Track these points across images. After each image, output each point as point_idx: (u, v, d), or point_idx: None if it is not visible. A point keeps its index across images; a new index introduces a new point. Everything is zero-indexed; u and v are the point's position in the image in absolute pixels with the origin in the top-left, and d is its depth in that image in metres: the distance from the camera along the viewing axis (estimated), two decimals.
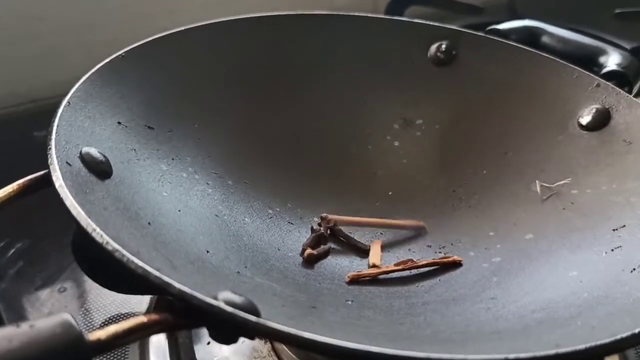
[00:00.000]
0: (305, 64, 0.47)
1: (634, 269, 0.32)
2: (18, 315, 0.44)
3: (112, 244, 0.25)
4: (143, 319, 0.23)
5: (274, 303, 0.31)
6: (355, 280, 0.37)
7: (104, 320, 0.43)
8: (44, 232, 0.50)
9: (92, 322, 0.43)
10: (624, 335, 0.24)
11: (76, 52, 0.64)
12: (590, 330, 0.27)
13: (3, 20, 0.60)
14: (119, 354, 0.41)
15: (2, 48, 0.60)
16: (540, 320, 0.30)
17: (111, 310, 0.45)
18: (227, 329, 0.24)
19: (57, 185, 0.28)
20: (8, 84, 0.62)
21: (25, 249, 0.49)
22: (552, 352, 0.23)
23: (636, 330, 0.25)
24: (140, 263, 0.24)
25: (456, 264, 0.38)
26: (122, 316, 0.44)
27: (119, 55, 0.40)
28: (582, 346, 0.23)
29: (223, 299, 0.24)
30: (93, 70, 0.38)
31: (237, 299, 0.25)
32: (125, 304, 0.45)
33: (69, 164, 0.31)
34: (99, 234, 0.26)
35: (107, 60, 0.39)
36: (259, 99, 0.45)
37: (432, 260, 0.38)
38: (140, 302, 0.45)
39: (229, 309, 0.23)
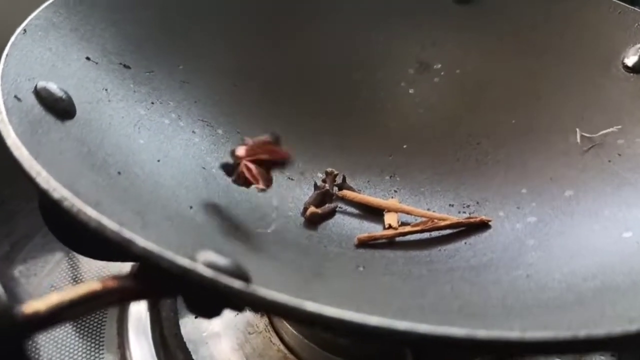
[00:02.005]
0: None
1: None
2: None
3: (59, 191, 0.20)
4: (96, 285, 0.18)
5: (269, 268, 0.25)
6: (366, 243, 0.31)
7: None
8: (11, 193, 0.44)
9: None
10: None
11: None
12: None
13: None
14: (93, 328, 0.36)
15: None
16: (597, 289, 0.24)
17: (87, 278, 0.40)
18: (207, 298, 0.19)
19: None
20: None
21: None
22: (633, 328, 0.17)
23: None
24: (94, 214, 0.19)
25: (484, 225, 0.32)
26: None
27: None
28: None
29: (203, 260, 0.19)
30: None
31: (220, 260, 0.19)
32: (103, 273, 0.40)
33: (18, 99, 0.25)
34: (45, 179, 0.20)
35: None
36: (256, 36, 0.39)
37: (457, 220, 0.32)
38: (121, 270, 0.40)
39: (209, 271, 0.17)
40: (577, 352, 0.31)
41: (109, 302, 0.18)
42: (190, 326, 0.35)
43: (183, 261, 0.18)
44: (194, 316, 0.36)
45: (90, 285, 0.18)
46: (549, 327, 0.19)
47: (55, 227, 0.32)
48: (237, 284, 0.17)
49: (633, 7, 0.39)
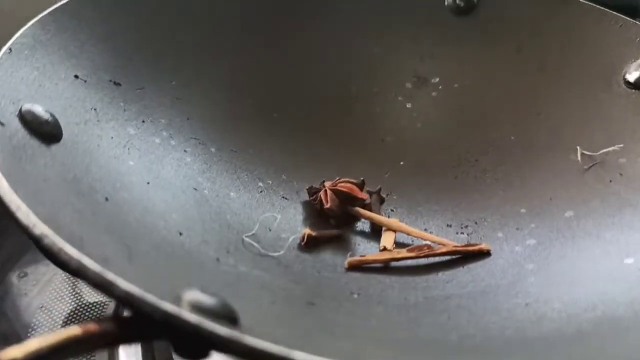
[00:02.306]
0: (305, 9, 0.40)
1: None
2: None
3: (39, 227, 0.19)
4: (76, 331, 0.17)
5: (261, 300, 0.24)
6: (356, 267, 0.31)
7: (68, 312, 0.37)
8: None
9: (55, 313, 0.37)
10: None
11: None
12: None
13: None
14: None
15: None
16: (598, 322, 0.24)
17: (76, 299, 0.39)
18: (194, 341, 0.18)
19: None
20: None
21: None
22: None
23: None
24: (74, 253, 0.18)
25: (483, 254, 0.31)
26: (87, 306, 0.38)
27: None
28: None
29: (188, 301, 0.18)
30: (45, 12, 0.31)
31: (206, 300, 0.18)
32: (92, 292, 0.39)
33: (1, 124, 0.24)
34: (25, 213, 0.19)
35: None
36: (250, 49, 0.39)
37: (454, 248, 0.31)
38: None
39: (193, 317, 0.17)
40: None
41: (90, 347, 0.17)
42: None
43: (167, 306, 0.17)
44: None
45: (70, 330, 0.17)
46: None
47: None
48: (222, 330, 0.16)
49: (634, 21, 0.38)
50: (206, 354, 0.18)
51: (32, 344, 0.17)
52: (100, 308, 0.38)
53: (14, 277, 0.40)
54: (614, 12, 0.39)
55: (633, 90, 0.36)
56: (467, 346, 0.23)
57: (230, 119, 0.37)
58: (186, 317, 0.17)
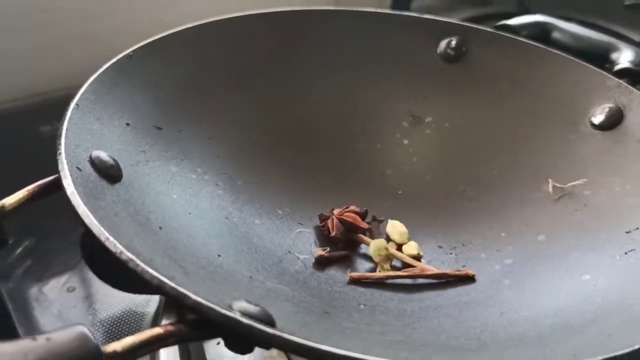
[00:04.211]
0: (313, 61, 0.47)
1: None
2: (27, 316, 0.44)
3: (125, 254, 0.25)
4: (159, 330, 0.23)
5: (287, 309, 0.30)
6: (357, 281, 0.37)
7: (112, 320, 0.43)
8: (50, 230, 0.50)
9: (101, 322, 0.43)
10: None
11: (78, 43, 0.63)
12: (606, 339, 0.27)
13: (5, 11, 0.59)
14: None
15: (4, 40, 0.60)
16: (555, 327, 0.30)
17: (120, 308, 0.45)
18: (243, 339, 0.24)
19: (68, 192, 0.28)
20: (10, 76, 0.61)
21: (32, 247, 0.49)
22: None
23: None
24: (155, 273, 0.24)
25: (468, 278, 0.37)
26: (130, 314, 0.44)
27: (127, 54, 0.40)
28: (599, 357, 0.23)
29: (238, 309, 0.24)
30: (100, 70, 0.38)
31: (252, 308, 0.25)
32: (134, 302, 0.45)
33: (79, 169, 0.31)
34: (113, 243, 0.25)
35: (115, 59, 0.39)
36: (266, 97, 0.45)
37: (443, 272, 0.37)
38: (149, 300, 0.45)
39: (246, 320, 0.23)
40: None
41: (168, 343, 0.23)
42: (213, 352, 0.40)
43: (226, 312, 0.23)
44: (216, 343, 0.41)
45: (155, 330, 0.23)
46: None
47: (93, 263, 0.38)
48: (267, 330, 0.23)
49: (600, 70, 0.45)
50: (252, 349, 0.25)
51: (128, 340, 0.23)
52: (140, 317, 0.44)
53: (63, 292, 0.46)
54: (583, 62, 0.45)
55: (597, 131, 0.42)
56: (452, 345, 0.29)
57: (252, 156, 0.43)
58: (241, 320, 0.23)
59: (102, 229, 0.26)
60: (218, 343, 0.40)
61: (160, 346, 0.23)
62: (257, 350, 0.40)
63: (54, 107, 0.60)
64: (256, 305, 0.25)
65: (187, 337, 0.24)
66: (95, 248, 0.35)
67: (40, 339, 0.21)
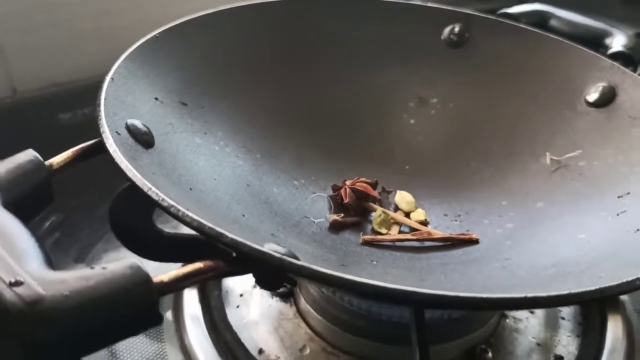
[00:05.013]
0: (325, 47, 0.50)
1: (638, 230, 0.34)
2: None
3: (167, 201, 0.28)
4: (199, 265, 0.26)
5: (308, 260, 0.33)
6: (369, 243, 0.39)
7: None
8: (76, 205, 0.52)
9: None
10: (629, 279, 0.27)
11: (93, 38, 0.66)
12: (598, 280, 0.29)
13: (24, 7, 0.62)
14: None
15: (25, 34, 0.63)
16: (553, 275, 0.32)
17: None
18: (272, 275, 0.27)
19: (111, 150, 0.31)
20: (31, 68, 0.64)
21: (60, 222, 0.52)
22: (565, 292, 0.26)
23: None
24: (194, 216, 0.27)
25: (472, 242, 0.40)
26: None
27: (154, 35, 0.43)
28: (592, 287, 0.26)
29: (269, 248, 0.27)
30: (131, 48, 0.41)
31: (280, 249, 0.27)
32: (158, 272, 0.48)
33: (118, 133, 0.33)
34: (155, 192, 0.28)
35: (143, 40, 0.42)
36: (282, 79, 0.48)
37: (449, 235, 0.40)
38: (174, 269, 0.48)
39: (277, 254, 0.26)
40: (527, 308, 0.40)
41: (207, 277, 0.26)
42: (233, 315, 0.43)
43: (259, 247, 0.26)
44: (235, 306, 0.43)
45: (196, 265, 0.26)
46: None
47: (120, 233, 0.41)
48: (297, 262, 0.26)
49: (594, 53, 0.48)
50: (280, 285, 0.28)
51: (172, 273, 0.26)
52: None
53: (89, 263, 0.49)
54: (579, 46, 0.48)
55: (592, 109, 0.45)
56: (458, 290, 0.32)
57: (269, 132, 0.46)
58: (273, 254, 0.26)
59: (144, 180, 0.29)
60: (237, 306, 0.43)
61: (201, 279, 0.26)
62: (273, 311, 0.43)
63: (71, 97, 0.63)
64: (283, 247, 0.28)
65: (224, 271, 0.27)
66: (122, 218, 0.38)
67: (98, 268, 0.24)
